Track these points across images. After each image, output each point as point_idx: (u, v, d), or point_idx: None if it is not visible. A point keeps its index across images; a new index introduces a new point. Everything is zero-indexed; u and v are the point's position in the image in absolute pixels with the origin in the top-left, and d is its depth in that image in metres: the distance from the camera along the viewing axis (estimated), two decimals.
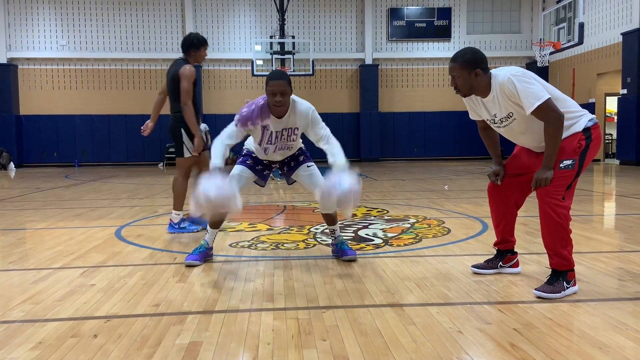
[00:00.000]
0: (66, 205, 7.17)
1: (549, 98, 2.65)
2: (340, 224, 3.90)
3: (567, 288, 2.71)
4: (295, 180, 3.76)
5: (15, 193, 8.94)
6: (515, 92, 2.68)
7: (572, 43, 13.09)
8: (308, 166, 3.64)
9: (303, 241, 4.30)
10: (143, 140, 18.52)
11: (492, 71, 2.84)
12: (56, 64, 18.35)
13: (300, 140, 3.66)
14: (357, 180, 3.13)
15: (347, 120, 18.91)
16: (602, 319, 2.38)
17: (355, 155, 18.89)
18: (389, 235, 4.50)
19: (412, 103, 19.23)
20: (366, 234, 4.53)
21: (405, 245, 4.11)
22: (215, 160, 3.22)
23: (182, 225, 4.75)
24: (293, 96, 3.36)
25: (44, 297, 2.83)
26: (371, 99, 18.55)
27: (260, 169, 3.65)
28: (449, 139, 19.27)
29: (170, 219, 4.78)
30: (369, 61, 18.89)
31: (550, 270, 2.80)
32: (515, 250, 3.21)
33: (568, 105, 2.79)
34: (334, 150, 3.33)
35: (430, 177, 11.11)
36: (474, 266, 3.24)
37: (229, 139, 3.35)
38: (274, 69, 16.79)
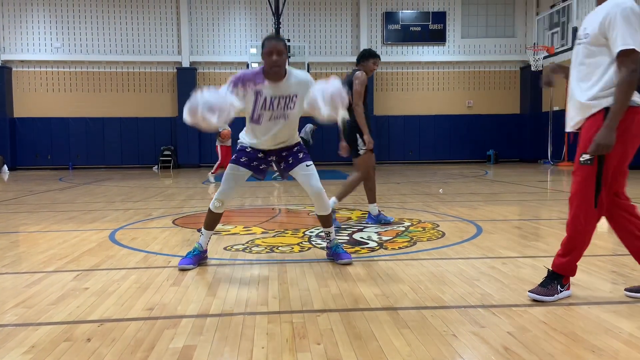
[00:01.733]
0: (60, 208, 7.13)
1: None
2: (336, 227, 3.88)
3: (561, 292, 2.72)
4: (291, 176, 3.66)
5: (9, 196, 8.89)
6: (615, 23, 2.44)
7: (565, 47, 13.18)
8: (307, 165, 3.54)
9: (298, 244, 4.30)
10: (138, 143, 18.49)
11: None
12: (50, 67, 18.28)
13: (296, 129, 3.59)
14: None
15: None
16: (596, 323, 2.39)
17: (349, 158, 18.89)
18: (384, 238, 4.50)
19: (407, 107, 19.28)
20: (361, 237, 4.53)
21: (399, 248, 4.11)
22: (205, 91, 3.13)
23: (379, 217, 5.23)
24: (289, 67, 3.35)
25: (37, 301, 2.81)
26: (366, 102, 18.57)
27: (256, 165, 3.53)
28: (444, 143, 19.32)
29: (369, 212, 5.32)
30: None
31: (547, 271, 2.78)
32: None
33: None
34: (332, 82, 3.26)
35: (425, 181, 11.13)
36: (627, 290, 2.81)
37: (217, 92, 3.16)
38: None
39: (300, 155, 3.56)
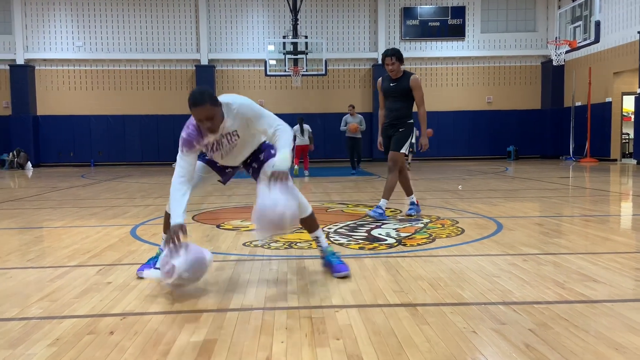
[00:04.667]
0: (82, 204, 7.25)
1: None
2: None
3: None
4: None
5: (33, 192, 9.07)
6: None
7: (588, 41, 12.94)
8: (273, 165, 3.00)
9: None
10: (157, 140, 18.70)
11: None
12: (72, 65, 18.58)
13: (255, 143, 3.20)
14: (293, 198, 2.78)
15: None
16: (619, 320, 2.35)
17: (368, 154, 18.85)
18: (402, 235, 4.49)
19: (426, 103, 19.06)
20: (379, 234, 4.52)
21: (418, 245, 4.09)
22: (175, 218, 2.80)
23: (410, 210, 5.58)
24: (224, 97, 2.93)
25: (61, 295, 2.87)
26: None
27: (221, 167, 3.24)
28: (462, 139, 19.16)
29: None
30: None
31: None
32: None
33: None
34: (279, 143, 2.86)
35: (443, 177, 11.05)
36: None
37: (182, 176, 2.92)
38: (286, 69, 16.82)
39: (261, 156, 3.19)
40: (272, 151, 3.12)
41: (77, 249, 4.11)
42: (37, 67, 18.48)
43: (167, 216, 3.11)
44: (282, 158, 2.83)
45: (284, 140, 2.89)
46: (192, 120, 2.97)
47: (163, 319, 2.47)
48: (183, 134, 2.97)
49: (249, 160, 3.24)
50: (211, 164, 3.24)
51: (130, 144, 18.74)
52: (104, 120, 18.66)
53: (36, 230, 5.16)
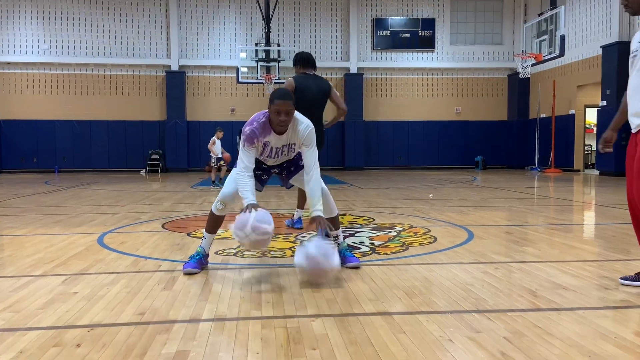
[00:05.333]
0: (46, 211, 7.02)
1: None
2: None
3: None
4: (293, 185, 3.75)
5: None
6: None
7: (553, 55, 13.33)
8: None
9: (290, 249, 4.27)
10: (125, 146, 18.34)
11: None
12: (37, 69, 18.10)
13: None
14: (335, 256, 3.15)
15: (332, 128, 18.80)
16: (590, 327, 2.39)
17: (339, 163, 18.92)
18: (376, 243, 4.49)
19: (396, 112, 19.37)
20: (353, 242, 4.51)
21: (392, 253, 4.10)
22: (249, 200, 3.18)
23: None
24: (295, 113, 3.34)
25: (24, 305, 2.75)
26: (356, 107, 18.64)
27: (259, 174, 3.59)
28: (432, 149, 19.43)
29: None
30: (353, 70, 18.99)
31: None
32: None
33: None
34: (312, 196, 3.30)
35: (414, 186, 11.16)
36: (622, 278, 3.09)
37: (245, 168, 3.28)
38: (259, 76, 16.78)
39: (301, 162, 3.55)
40: (300, 163, 3.54)
41: (41, 257, 3.96)
42: (0, 70, 17.92)
43: (213, 215, 3.52)
44: (318, 207, 3.30)
45: (317, 188, 3.34)
46: (256, 117, 3.34)
47: (133, 330, 2.39)
48: (246, 130, 3.30)
49: (286, 164, 3.63)
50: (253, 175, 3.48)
51: (97, 150, 18.32)
52: (70, 125, 18.19)
53: None
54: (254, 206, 3.15)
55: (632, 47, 2.96)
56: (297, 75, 5.26)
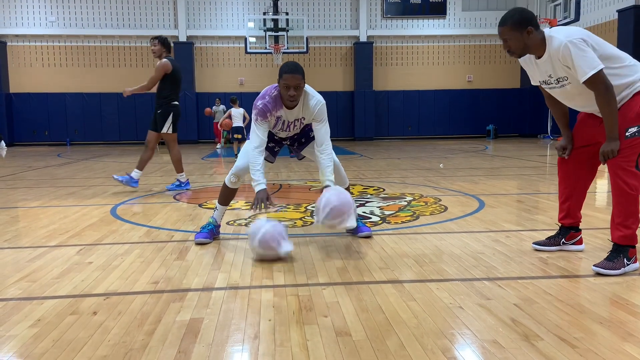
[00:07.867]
0: (59, 183, 7.10)
1: (602, 69, 2.54)
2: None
3: (627, 265, 2.68)
4: (305, 157, 3.75)
5: (7, 172, 8.85)
6: (570, 60, 2.58)
7: (568, 20, 13.01)
8: None
9: (300, 219, 4.29)
10: (135, 118, 18.36)
11: (546, 31, 2.73)
12: (45, 41, 18.03)
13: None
14: (345, 193, 3.20)
15: (342, 98, 18.79)
16: (602, 294, 2.39)
17: (349, 134, 18.81)
18: (386, 213, 4.49)
19: (407, 81, 19.11)
20: (363, 212, 4.52)
21: (402, 222, 4.10)
22: (259, 185, 3.19)
23: None
24: (307, 87, 3.29)
25: (40, 275, 2.80)
26: (365, 77, 18.42)
27: (271, 146, 3.58)
28: (443, 118, 19.22)
29: None
30: (363, 39, 18.69)
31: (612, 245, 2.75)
32: (579, 227, 3.11)
33: (625, 64, 2.66)
34: (324, 167, 3.30)
35: (425, 156, 11.09)
36: (535, 243, 3.20)
37: (257, 146, 3.25)
38: (267, 46, 16.57)
39: (312, 134, 3.53)
40: (311, 134, 3.53)
41: (56, 228, 4.02)
42: (8, 43, 17.88)
43: (226, 188, 3.53)
44: (329, 179, 3.33)
45: (329, 163, 3.34)
46: (268, 91, 3.30)
47: (147, 298, 2.43)
48: (258, 104, 3.28)
49: (296, 136, 3.61)
50: (266, 147, 3.45)
51: (107, 122, 18.35)
52: (80, 98, 18.21)
53: (12, 210, 5.03)
54: (263, 200, 3.14)
55: (540, 79, 2.93)
56: (169, 57, 6.09)
